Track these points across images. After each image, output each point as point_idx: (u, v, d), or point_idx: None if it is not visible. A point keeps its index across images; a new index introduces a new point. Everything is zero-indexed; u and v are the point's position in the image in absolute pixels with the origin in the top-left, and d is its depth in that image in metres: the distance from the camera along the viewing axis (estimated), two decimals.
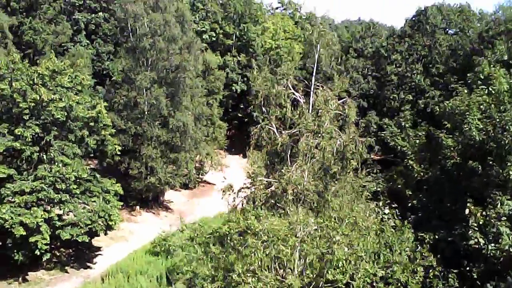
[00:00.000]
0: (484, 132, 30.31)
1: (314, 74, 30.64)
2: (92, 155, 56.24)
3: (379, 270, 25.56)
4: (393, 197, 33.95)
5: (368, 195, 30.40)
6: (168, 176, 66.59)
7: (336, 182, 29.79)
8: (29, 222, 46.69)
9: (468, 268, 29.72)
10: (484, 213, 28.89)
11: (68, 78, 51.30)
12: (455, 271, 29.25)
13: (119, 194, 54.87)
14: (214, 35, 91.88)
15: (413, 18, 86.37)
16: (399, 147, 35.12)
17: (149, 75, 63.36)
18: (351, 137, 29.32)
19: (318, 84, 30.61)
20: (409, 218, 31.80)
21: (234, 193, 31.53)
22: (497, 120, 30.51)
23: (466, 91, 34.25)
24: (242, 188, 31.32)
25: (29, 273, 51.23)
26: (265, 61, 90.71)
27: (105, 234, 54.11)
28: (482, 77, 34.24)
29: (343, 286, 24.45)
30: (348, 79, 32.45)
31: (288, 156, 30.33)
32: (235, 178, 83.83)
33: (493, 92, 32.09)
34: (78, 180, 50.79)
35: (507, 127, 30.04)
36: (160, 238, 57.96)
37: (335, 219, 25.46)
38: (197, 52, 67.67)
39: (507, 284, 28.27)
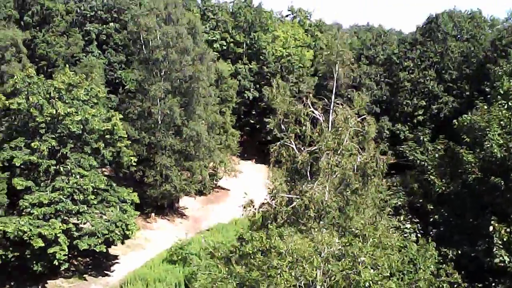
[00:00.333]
0: (505, 148, 30.30)
1: (333, 92, 30.63)
2: (107, 164, 56.52)
3: None
4: (414, 211, 33.97)
5: (390, 211, 30.42)
6: (183, 183, 66.89)
7: (357, 197, 29.80)
8: (47, 234, 47.16)
9: (493, 284, 29.70)
10: (508, 230, 28.88)
11: (84, 91, 51.77)
12: (480, 285, 29.26)
13: (135, 203, 55.47)
14: (225, 44, 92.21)
15: (424, 26, 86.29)
16: (418, 161, 35.11)
17: (162, 86, 63.68)
18: (371, 154, 29.31)
19: (337, 102, 30.58)
20: (431, 233, 31.80)
21: (255, 208, 31.49)
22: None
23: (485, 106, 34.21)
24: (263, 204, 31.30)
25: (48, 281, 51.95)
26: (277, 69, 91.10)
27: (122, 243, 54.55)
28: (502, 92, 34.23)
29: None
30: (367, 96, 32.22)
31: (309, 173, 30.34)
32: (249, 184, 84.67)
33: None
34: (95, 190, 51.31)
35: None
36: (176, 246, 58.28)
37: (359, 237, 25.49)
38: (210, 63, 67.96)
39: None
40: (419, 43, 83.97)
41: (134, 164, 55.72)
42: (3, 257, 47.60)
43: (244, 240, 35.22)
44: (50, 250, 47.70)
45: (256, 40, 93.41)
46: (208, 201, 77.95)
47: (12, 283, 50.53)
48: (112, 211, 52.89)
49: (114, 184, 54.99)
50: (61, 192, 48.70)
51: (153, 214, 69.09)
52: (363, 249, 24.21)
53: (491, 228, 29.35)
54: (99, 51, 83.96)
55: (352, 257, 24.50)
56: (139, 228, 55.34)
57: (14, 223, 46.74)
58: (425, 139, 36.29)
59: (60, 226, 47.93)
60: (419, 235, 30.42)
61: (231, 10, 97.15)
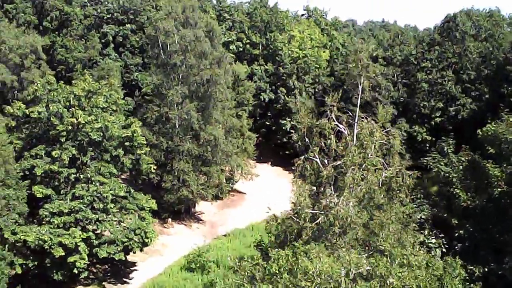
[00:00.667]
0: None
1: (358, 105, 30.41)
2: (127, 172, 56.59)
3: None
4: (438, 224, 33.62)
5: (415, 226, 30.16)
6: (200, 188, 66.83)
7: (382, 212, 29.59)
8: (68, 243, 47.41)
9: None
10: None
11: (103, 98, 51.80)
12: None
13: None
14: (241, 45, 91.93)
15: (442, 25, 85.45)
16: (442, 172, 34.69)
17: (180, 90, 63.58)
18: (397, 169, 29.08)
19: (362, 115, 30.37)
20: (456, 247, 31.45)
21: (279, 223, 31.38)
22: None
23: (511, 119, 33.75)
24: (286, 218, 31.17)
25: None
26: (293, 70, 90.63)
27: (141, 250, 54.63)
28: None
29: None
30: (391, 109, 31.96)
31: (333, 187, 30.16)
32: (265, 187, 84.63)
33: None
34: (114, 198, 51.42)
35: None
36: (194, 253, 58.25)
37: (386, 256, 25.30)
38: (227, 66, 67.71)
39: None
40: (437, 44, 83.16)
41: (154, 171, 55.69)
42: (24, 266, 47.80)
43: (266, 253, 35.13)
44: (71, 259, 47.95)
45: (272, 41, 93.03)
46: (224, 205, 77.84)
47: None
48: (130, 218, 53.03)
49: (132, 190, 55.09)
50: (81, 200, 48.87)
51: (170, 219, 69.15)
52: (392, 270, 24.02)
53: None
54: (116, 54, 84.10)
55: (379, 277, 24.32)
56: (157, 236, 55.28)
57: (35, 232, 46.96)
58: (449, 150, 35.83)
59: (80, 235, 48.16)
60: (444, 250, 30.09)
61: (246, 11, 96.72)
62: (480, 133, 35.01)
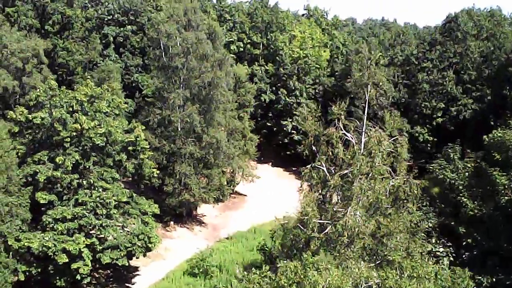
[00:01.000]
0: None
1: (365, 114, 30.26)
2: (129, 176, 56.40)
3: None
4: (445, 232, 33.52)
5: (423, 235, 30.08)
6: (202, 191, 66.70)
7: (389, 221, 29.51)
8: (72, 249, 47.26)
9: None
10: None
11: (106, 103, 51.61)
12: None
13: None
14: (242, 45, 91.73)
15: (444, 25, 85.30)
16: (448, 179, 34.53)
17: (182, 93, 63.41)
18: (404, 178, 29.00)
19: (369, 124, 30.24)
20: (464, 256, 31.36)
21: (285, 232, 31.25)
22: None
23: None
24: (294, 228, 31.05)
25: None
26: (293, 70, 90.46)
27: (144, 255, 54.49)
28: None
29: None
30: (398, 117, 31.85)
31: (339, 196, 30.05)
32: (266, 188, 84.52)
33: None
34: (117, 203, 51.26)
35: None
36: (197, 258, 58.14)
37: (396, 269, 25.22)
38: (229, 69, 67.53)
39: None
40: (439, 43, 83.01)
41: (156, 176, 55.58)
42: (27, 272, 47.64)
43: (270, 258, 35.02)
44: (74, 266, 47.80)
45: (273, 41, 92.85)
46: (226, 207, 77.71)
47: None
48: (134, 223, 52.91)
49: (135, 195, 54.96)
50: (84, 206, 48.71)
51: (172, 223, 69.04)
52: (401, 283, 23.94)
53: None
54: (116, 55, 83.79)
55: None
56: (160, 241, 55.14)
57: (39, 238, 46.79)
58: (455, 157, 35.68)
59: (84, 241, 48.02)
60: (451, 258, 30.00)
61: (247, 11, 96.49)
62: (487, 139, 34.83)
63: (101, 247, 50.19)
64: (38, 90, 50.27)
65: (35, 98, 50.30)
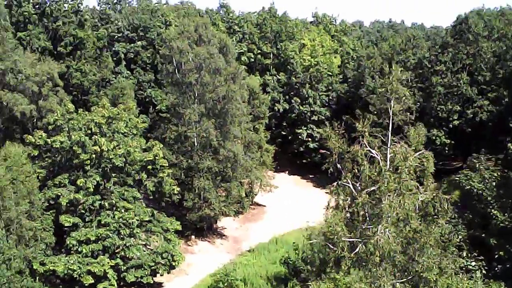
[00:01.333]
0: None
1: (390, 129, 30.08)
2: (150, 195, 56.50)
3: None
4: (476, 245, 33.19)
5: (455, 250, 29.79)
6: (222, 205, 66.68)
7: (420, 237, 29.29)
8: (97, 271, 47.52)
9: None
10: None
11: (123, 123, 51.79)
12: None
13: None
14: (252, 56, 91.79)
15: (454, 27, 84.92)
16: (475, 190, 34.22)
17: (197, 109, 63.46)
18: (434, 194, 28.79)
19: (393, 139, 30.06)
20: (496, 269, 31.02)
21: (315, 252, 31.07)
22: None
23: None
24: (322, 246, 30.89)
25: None
26: (306, 79, 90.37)
27: (168, 273, 54.59)
28: None
29: None
30: (423, 130, 31.67)
31: (368, 214, 29.85)
32: (284, 197, 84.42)
33: None
34: (139, 222, 51.41)
35: None
36: (222, 272, 57.97)
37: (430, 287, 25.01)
38: (242, 81, 67.54)
39: None
40: (451, 46, 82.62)
41: (176, 193, 55.72)
42: None
43: (294, 270, 34.94)
44: (100, 286, 48.03)
45: (283, 50, 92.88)
46: (245, 219, 77.54)
47: None
48: (157, 241, 53.07)
49: (155, 212, 55.08)
50: (108, 227, 48.87)
51: (193, 237, 68.93)
52: None
53: None
54: (128, 71, 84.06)
55: None
56: (184, 258, 55.15)
57: (63, 262, 47.03)
58: (481, 167, 35.34)
59: (108, 262, 48.22)
60: (484, 272, 29.71)
61: (256, 22, 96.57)
62: (510, 147, 34.52)
63: (125, 267, 50.42)
64: (55, 114, 50.51)
65: (53, 122, 50.54)
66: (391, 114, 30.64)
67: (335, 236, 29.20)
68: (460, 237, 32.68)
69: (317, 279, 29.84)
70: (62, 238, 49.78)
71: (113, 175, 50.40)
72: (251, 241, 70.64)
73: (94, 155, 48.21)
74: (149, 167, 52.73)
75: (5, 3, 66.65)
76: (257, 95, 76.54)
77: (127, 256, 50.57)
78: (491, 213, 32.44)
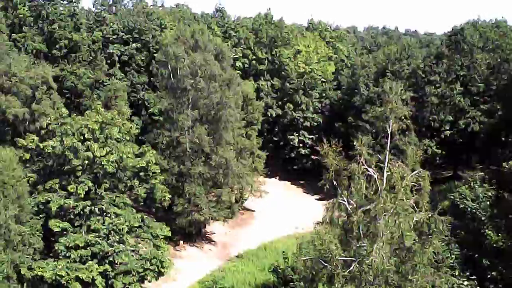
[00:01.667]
0: None
1: (388, 149, 29.95)
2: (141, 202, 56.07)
3: None
4: (469, 264, 33.14)
5: (448, 270, 29.73)
6: (212, 211, 66.47)
7: (414, 257, 29.25)
8: (85, 277, 47.02)
9: None
10: None
11: (117, 129, 51.32)
12: None
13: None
14: (247, 61, 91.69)
15: (450, 37, 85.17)
16: (469, 208, 34.17)
17: (191, 114, 63.17)
18: (429, 215, 28.72)
19: (392, 158, 29.94)
20: None
21: (307, 267, 30.87)
22: None
23: None
24: (316, 262, 30.68)
25: None
26: (300, 85, 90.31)
27: (156, 279, 54.18)
28: None
29: None
30: (421, 151, 31.55)
31: (362, 232, 29.70)
32: (274, 202, 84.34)
33: None
34: (129, 229, 50.96)
35: None
36: (209, 279, 57.79)
37: None
38: (237, 88, 67.33)
39: None
40: (445, 57, 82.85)
41: (168, 200, 55.41)
42: None
43: (283, 279, 34.87)
44: None
45: (277, 56, 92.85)
46: (235, 224, 77.38)
47: None
48: (145, 247, 52.67)
49: (145, 216, 54.66)
50: (97, 234, 48.43)
51: (181, 242, 68.73)
52: None
53: None
54: (122, 74, 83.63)
55: None
56: (173, 265, 54.82)
57: (51, 267, 46.51)
58: (476, 185, 35.32)
59: (97, 268, 47.76)
60: None
61: (251, 27, 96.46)
62: (506, 166, 34.51)
63: (113, 273, 49.97)
64: (48, 118, 50.00)
65: (46, 126, 50.07)
66: (389, 133, 30.49)
67: (329, 254, 29.03)
68: (453, 256, 32.69)
69: None
70: (50, 242, 49.28)
71: (105, 180, 49.91)
72: (239, 246, 70.53)
73: (86, 161, 47.73)
74: (141, 174, 52.29)
75: (0, 5, 66.14)
76: (251, 101, 76.37)
77: (116, 262, 50.16)
78: (485, 233, 32.42)
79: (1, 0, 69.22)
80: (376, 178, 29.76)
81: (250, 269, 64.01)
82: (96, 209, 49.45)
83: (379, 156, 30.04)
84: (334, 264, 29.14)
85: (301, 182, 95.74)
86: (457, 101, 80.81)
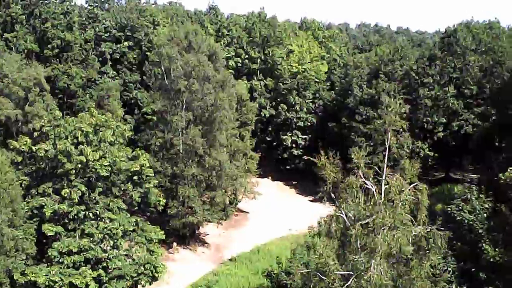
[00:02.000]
0: None
1: (386, 162, 29.83)
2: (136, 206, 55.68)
3: None
4: (466, 277, 33.12)
5: (445, 285, 29.69)
6: (206, 213, 66.26)
7: (411, 272, 29.22)
8: (78, 283, 46.68)
9: None
10: None
11: (110, 131, 50.84)
12: None
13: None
14: (240, 60, 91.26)
15: (443, 39, 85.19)
16: (466, 220, 34.14)
17: (185, 116, 62.79)
18: (427, 229, 28.65)
19: (390, 171, 29.80)
20: None
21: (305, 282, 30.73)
22: None
23: None
24: (313, 275, 30.56)
25: None
26: (293, 85, 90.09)
27: (150, 284, 53.91)
28: None
29: None
30: (417, 163, 31.37)
31: (359, 245, 29.56)
32: (268, 203, 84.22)
33: None
34: (123, 233, 50.62)
35: None
36: (203, 283, 57.61)
37: None
38: (232, 90, 67.00)
39: None
40: (438, 59, 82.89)
41: (162, 205, 55.14)
42: None
43: (277, 283, 34.81)
44: None
45: (270, 56, 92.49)
46: (228, 225, 77.14)
47: None
48: (139, 252, 52.33)
49: (139, 220, 54.34)
50: (91, 238, 48.04)
51: (175, 244, 68.43)
52: None
53: None
54: (114, 72, 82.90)
55: None
56: (167, 269, 54.53)
57: (44, 273, 46.12)
58: (473, 197, 35.27)
59: (90, 274, 47.42)
60: None
61: (245, 25, 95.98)
62: (503, 177, 34.50)
63: (107, 278, 49.64)
64: (42, 120, 49.44)
65: (39, 128, 49.54)
66: (387, 146, 30.36)
67: (327, 268, 28.91)
68: (450, 269, 32.67)
69: None
70: (44, 247, 48.85)
71: (98, 184, 49.51)
72: (233, 249, 70.28)
73: (79, 165, 47.27)
74: (135, 178, 51.91)
75: None
76: (245, 102, 76.05)
77: (109, 267, 49.84)
78: (482, 247, 32.39)
79: None
80: (374, 192, 29.63)
81: (244, 272, 63.72)
82: (91, 214, 49.02)
83: (377, 170, 29.89)
84: (332, 278, 28.98)
85: (294, 182, 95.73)
86: (450, 104, 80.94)
